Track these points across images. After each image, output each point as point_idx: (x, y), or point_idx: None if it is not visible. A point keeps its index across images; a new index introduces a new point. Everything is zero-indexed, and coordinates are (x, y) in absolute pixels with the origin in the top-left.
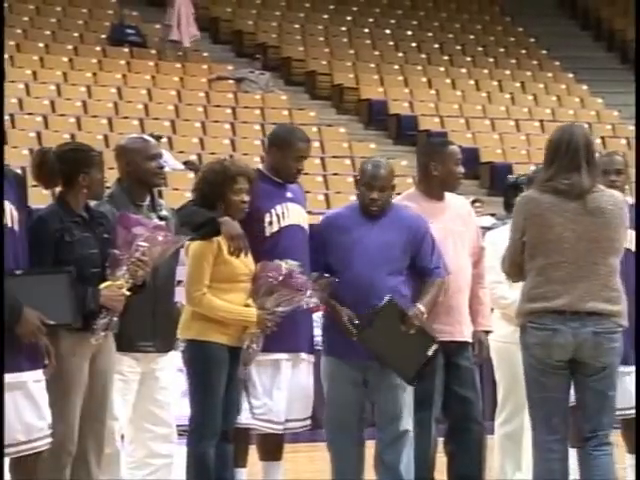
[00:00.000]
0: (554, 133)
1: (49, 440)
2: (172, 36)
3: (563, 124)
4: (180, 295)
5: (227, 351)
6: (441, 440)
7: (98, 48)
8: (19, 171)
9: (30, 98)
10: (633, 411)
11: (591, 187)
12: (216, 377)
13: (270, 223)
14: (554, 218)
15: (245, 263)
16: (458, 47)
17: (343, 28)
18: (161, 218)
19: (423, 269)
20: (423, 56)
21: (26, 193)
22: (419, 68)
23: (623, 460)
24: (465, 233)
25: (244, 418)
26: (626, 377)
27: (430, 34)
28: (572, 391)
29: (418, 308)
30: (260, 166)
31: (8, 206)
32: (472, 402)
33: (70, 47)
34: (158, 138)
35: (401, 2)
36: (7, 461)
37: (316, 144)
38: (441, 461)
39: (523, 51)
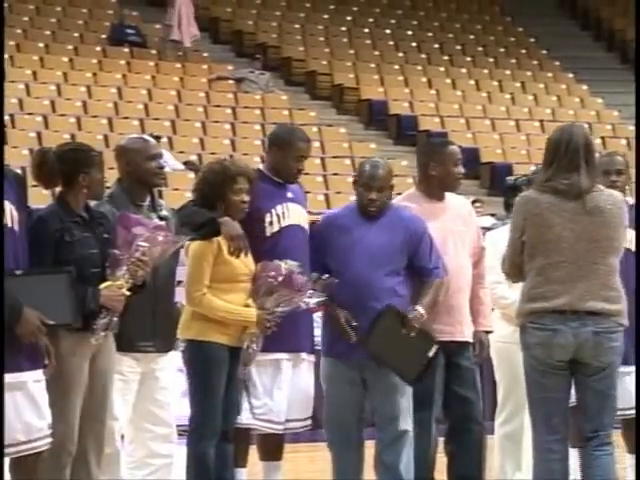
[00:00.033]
0: (554, 133)
1: (49, 440)
2: (173, 36)
3: (563, 124)
4: (180, 295)
5: (227, 351)
6: (441, 440)
7: (98, 48)
8: (19, 171)
9: (30, 98)
10: (633, 411)
11: (590, 187)
12: (216, 377)
13: (270, 223)
14: (553, 218)
15: (245, 263)
16: (458, 47)
17: (343, 28)
18: (161, 218)
19: (421, 269)
20: (423, 56)
21: (26, 193)
22: (419, 68)
23: (623, 460)
24: (465, 233)
25: (244, 418)
26: (626, 377)
27: (430, 34)
28: (572, 391)
29: (418, 311)
30: (260, 166)
31: (8, 206)
32: (472, 402)
33: (70, 47)
34: (157, 138)
35: (401, 2)
36: (7, 461)
37: (316, 144)
38: (441, 461)
39: (523, 51)
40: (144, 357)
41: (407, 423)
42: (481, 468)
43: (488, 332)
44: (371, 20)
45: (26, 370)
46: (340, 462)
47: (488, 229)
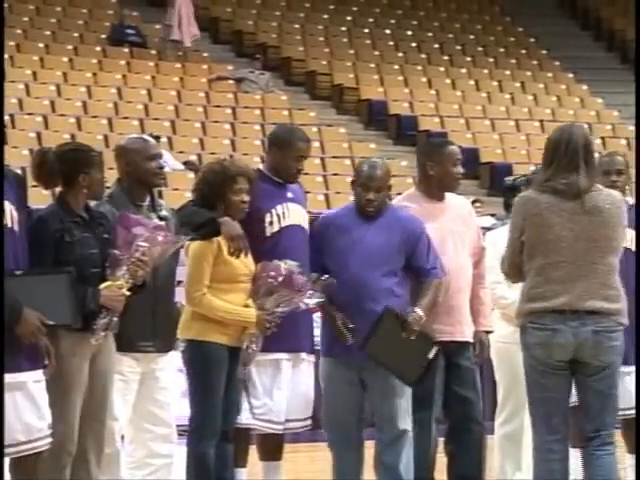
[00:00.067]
0: (553, 133)
1: (49, 440)
2: (173, 36)
3: (562, 124)
4: (180, 295)
5: (227, 351)
6: (441, 440)
7: (98, 48)
8: (19, 171)
9: (30, 98)
10: (633, 411)
11: (589, 187)
12: (216, 377)
13: (270, 223)
14: (552, 218)
15: (245, 263)
16: (458, 47)
17: (343, 28)
18: (161, 218)
19: (419, 269)
20: (423, 56)
21: (26, 193)
22: (419, 68)
23: (623, 460)
24: (466, 233)
25: (244, 418)
26: (626, 377)
27: (430, 34)
28: (573, 391)
29: (417, 313)
30: (260, 166)
31: (8, 206)
32: (472, 402)
33: (70, 47)
34: (157, 138)
35: (401, 2)
36: (7, 461)
37: (316, 144)
38: (441, 461)
39: (523, 51)
40: (144, 357)
41: (406, 423)
42: (481, 468)
43: (488, 332)
44: (371, 20)
45: (26, 370)
46: (340, 462)
47: (488, 229)
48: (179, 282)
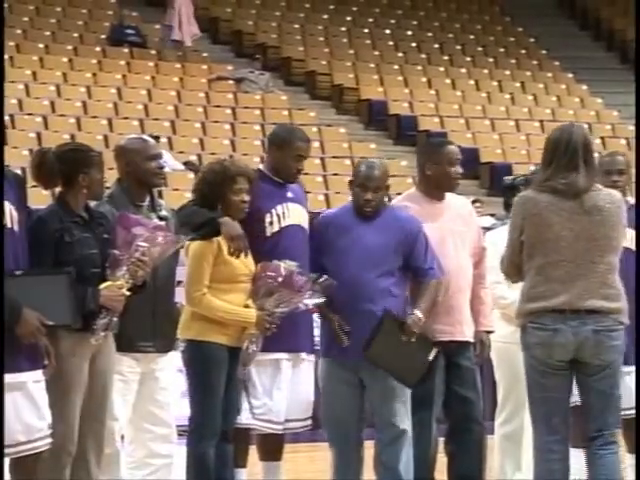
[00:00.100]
0: (553, 133)
1: (49, 440)
2: (174, 36)
3: (562, 124)
4: (180, 295)
5: (227, 351)
6: (441, 440)
7: (98, 48)
8: (19, 171)
9: (30, 98)
10: (633, 411)
11: (588, 187)
12: (216, 377)
13: (270, 223)
14: (552, 217)
15: (245, 264)
16: (458, 47)
17: (343, 28)
18: (161, 218)
19: (417, 270)
20: (423, 56)
21: (26, 194)
22: (419, 68)
23: (623, 460)
24: (466, 233)
25: (244, 418)
26: (626, 377)
27: (430, 34)
28: (574, 391)
29: (416, 315)
30: (261, 166)
31: (8, 207)
32: (473, 402)
33: (70, 47)
34: (157, 138)
35: (401, 2)
36: (7, 461)
37: (316, 144)
38: (441, 461)
39: (523, 51)
40: (144, 357)
41: (406, 423)
42: (481, 468)
43: (489, 332)
44: (371, 20)
45: (26, 370)
46: (340, 461)
47: (488, 229)
48: (179, 282)
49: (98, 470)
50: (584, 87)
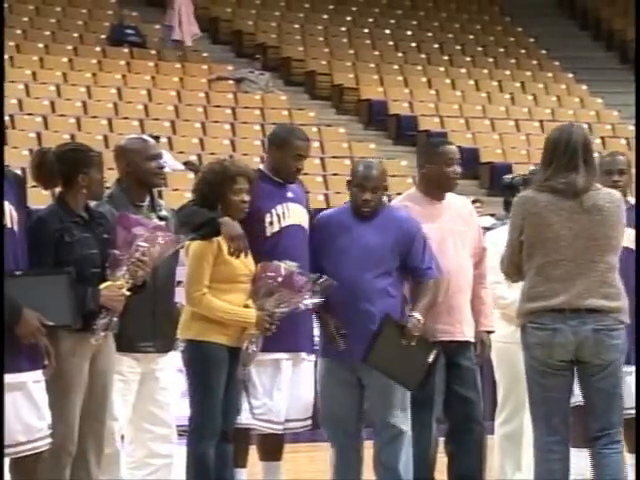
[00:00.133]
0: (553, 133)
1: (49, 440)
2: (174, 36)
3: (562, 124)
4: (180, 295)
5: (227, 351)
6: (442, 440)
7: (98, 48)
8: (19, 172)
9: (30, 99)
10: (633, 411)
11: (587, 186)
12: (215, 377)
13: (271, 223)
14: (551, 217)
15: (245, 264)
16: (458, 47)
17: (343, 28)
18: (161, 218)
19: (415, 270)
20: (423, 56)
21: (25, 194)
22: (419, 68)
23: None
24: (466, 233)
25: (244, 418)
26: (627, 377)
27: (430, 34)
28: (574, 392)
29: (415, 317)
30: (261, 166)
31: (8, 207)
32: (473, 402)
33: (70, 47)
34: (156, 138)
35: (401, 2)
36: (7, 461)
37: (316, 144)
38: (441, 461)
39: (523, 51)
40: (144, 357)
41: (404, 423)
42: (481, 468)
43: (490, 332)
44: (371, 20)
45: (26, 370)
46: (340, 461)
47: (488, 229)
48: (179, 282)
49: (98, 470)
50: (584, 87)
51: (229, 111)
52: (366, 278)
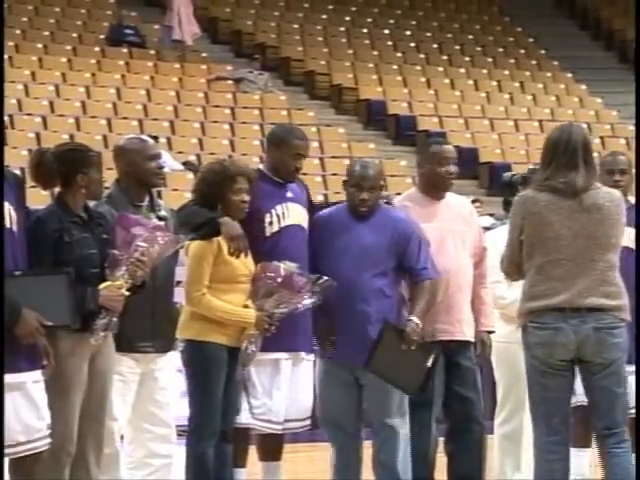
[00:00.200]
0: (552, 132)
1: (48, 441)
2: (174, 36)
3: (561, 124)
4: (180, 295)
5: (226, 351)
6: (441, 440)
7: (97, 49)
8: (18, 172)
9: (29, 99)
10: (633, 411)
11: (587, 186)
12: (215, 377)
13: (270, 223)
14: (551, 216)
15: (245, 264)
16: (457, 47)
17: (342, 28)
18: (160, 218)
19: (411, 270)
20: (422, 56)
21: (24, 194)
22: (418, 68)
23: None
24: (466, 233)
25: (244, 418)
26: (628, 377)
27: (429, 34)
28: (574, 392)
29: (413, 321)
30: (260, 166)
31: (7, 207)
32: (473, 402)
33: (69, 48)
34: (155, 138)
35: (400, 2)
36: (6, 462)
37: (315, 144)
38: (441, 461)
39: (522, 51)
40: (143, 357)
41: (402, 422)
42: (481, 468)
43: (490, 332)
44: (370, 20)
45: (25, 371)
46: (340, 461)
47: (487, 229)
48: (178, 282)
49: (98, 470)
50: (583, 87)
51: (228, 111)
52: (364, 278)
